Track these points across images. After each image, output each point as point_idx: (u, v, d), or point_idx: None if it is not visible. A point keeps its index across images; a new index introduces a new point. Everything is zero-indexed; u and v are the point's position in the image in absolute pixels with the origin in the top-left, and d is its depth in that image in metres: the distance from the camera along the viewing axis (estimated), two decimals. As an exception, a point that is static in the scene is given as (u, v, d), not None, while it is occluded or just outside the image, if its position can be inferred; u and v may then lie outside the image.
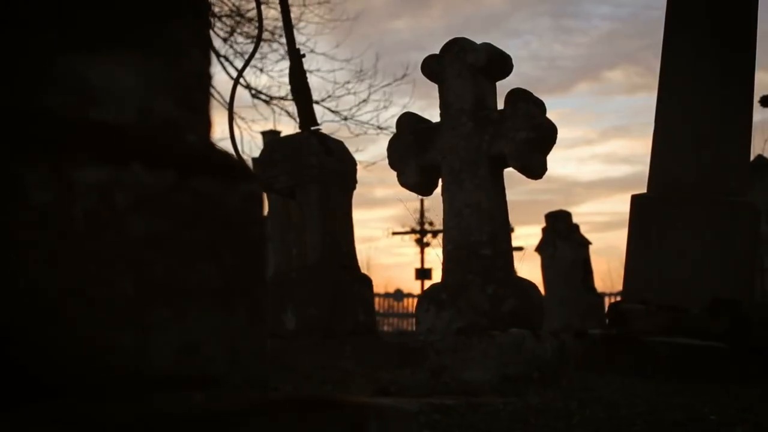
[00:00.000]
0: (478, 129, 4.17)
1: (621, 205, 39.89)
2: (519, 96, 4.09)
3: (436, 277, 15.75)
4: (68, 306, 1.08)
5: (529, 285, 4.18)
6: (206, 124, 1.32)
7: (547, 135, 4.04)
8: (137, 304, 1.14)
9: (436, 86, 4.25)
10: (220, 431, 1.09)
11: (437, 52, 4.27)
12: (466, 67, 4.20)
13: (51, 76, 1.17)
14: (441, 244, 4.34)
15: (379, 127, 13.46)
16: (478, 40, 4.32)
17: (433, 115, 4.33)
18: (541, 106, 4.11)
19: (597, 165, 41.61)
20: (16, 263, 1.05)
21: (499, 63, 4.24)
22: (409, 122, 4.38)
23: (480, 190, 4.13)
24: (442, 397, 3.45)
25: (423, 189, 4.35)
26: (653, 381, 4.55)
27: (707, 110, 5.58)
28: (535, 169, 4.04)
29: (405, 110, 4.84)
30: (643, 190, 5.74)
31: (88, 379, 1.11)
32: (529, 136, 4.01)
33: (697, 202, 5.46)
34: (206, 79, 1.31)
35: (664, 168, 5.64)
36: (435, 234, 21.31)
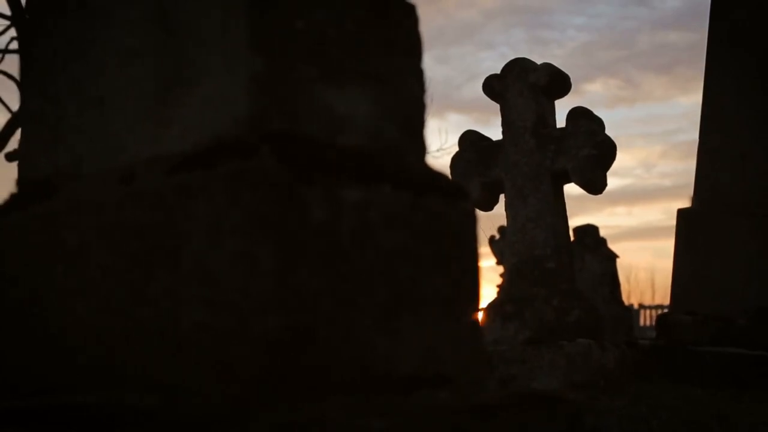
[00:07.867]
0: (540, 146, 4.30)
1: (613, 219, 39.42)
2: (580, 114, 4.22)
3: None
4: (344, 312, 1.20)
5: (590, 296, 4.30)
6: (423, 147, 1.44)
7: (608, 152, 4.17)
8: (389, 311, 1.27)
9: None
10: (473, 423, 1.21)
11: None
12: (527, 87, 4.33)
13: (308, 105, 1.30)
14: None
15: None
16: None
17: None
18: (601, 124, 4.24)
19: (586, 178, 40.97)
20: (301, 274, 1.16)
21: (559, 82, 4.36)
22: (471, 140, 4.50)
23: (543, 204, 4.25)
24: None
25: (485, 205, 4.46)
26: (705, 389, 4.66)
27: (750, 128, 5.73)
28: (597, 184, 4.16)
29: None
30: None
31: (358, 378, 1.22)
32: (591, 153, 4.13)
33: (741, 215, 5.58)
34: (422, 105, 1.44)
35: (710, 183, 5.79)
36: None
